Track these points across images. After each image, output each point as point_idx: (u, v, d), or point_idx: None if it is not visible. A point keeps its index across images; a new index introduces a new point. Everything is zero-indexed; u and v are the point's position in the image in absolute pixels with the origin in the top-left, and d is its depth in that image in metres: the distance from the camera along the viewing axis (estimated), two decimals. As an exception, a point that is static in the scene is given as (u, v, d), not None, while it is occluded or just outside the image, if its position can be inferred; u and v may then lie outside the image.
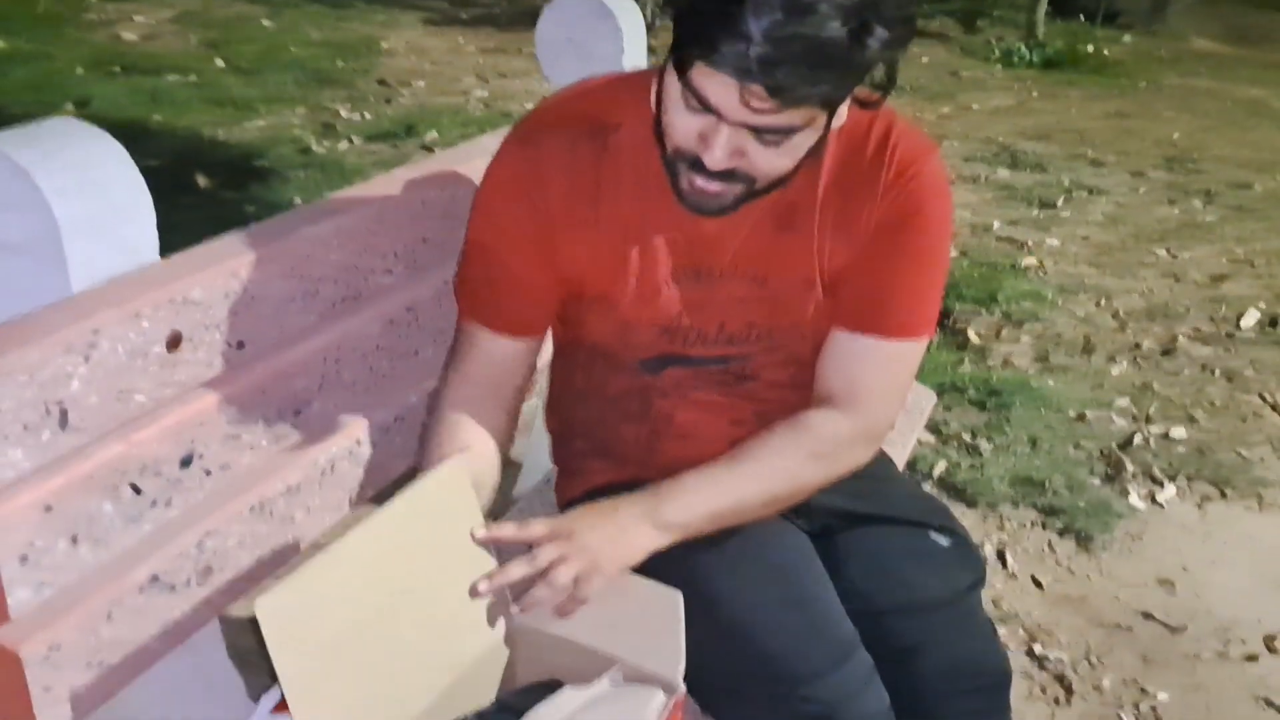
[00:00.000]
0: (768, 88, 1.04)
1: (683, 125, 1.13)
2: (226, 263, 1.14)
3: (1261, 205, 4.68)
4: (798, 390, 1.34)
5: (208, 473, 1.16)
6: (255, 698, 1.11)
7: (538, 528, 1.20)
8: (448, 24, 6.85)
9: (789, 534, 1.33)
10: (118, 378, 1.03)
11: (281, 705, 1.08)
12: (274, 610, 0.95)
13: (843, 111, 1.16)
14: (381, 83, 5.45)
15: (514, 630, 1.21)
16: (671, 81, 1.12)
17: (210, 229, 1.23)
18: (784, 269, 1.29)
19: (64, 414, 0.98)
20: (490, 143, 1.55)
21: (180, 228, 1.18)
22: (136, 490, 1.07)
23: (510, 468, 2.47)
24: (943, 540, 1.41)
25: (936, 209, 1.28)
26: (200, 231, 1.22)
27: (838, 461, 1.32)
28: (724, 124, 1.09)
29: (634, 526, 1.22)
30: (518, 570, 1.16)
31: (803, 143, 1.14)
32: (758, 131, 1.10)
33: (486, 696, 1.17)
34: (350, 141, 4.57)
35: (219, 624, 1.14)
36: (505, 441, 1.33)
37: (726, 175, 1.14)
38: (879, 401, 1.33)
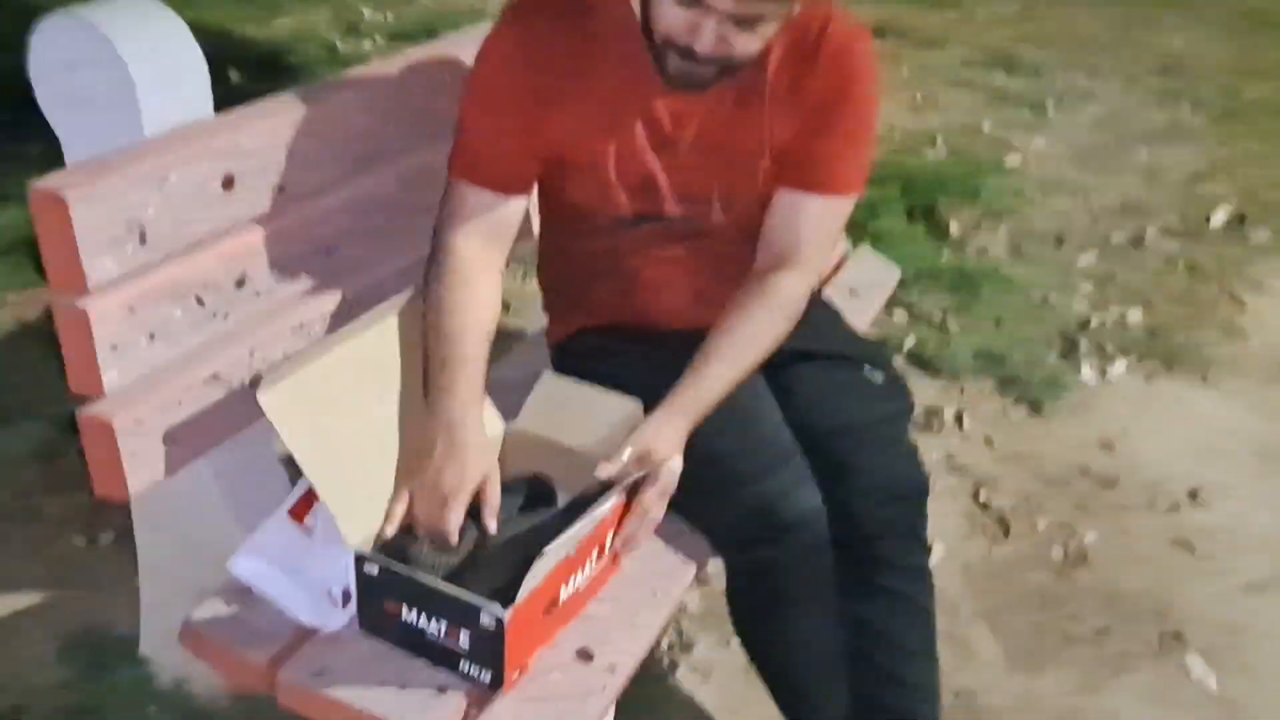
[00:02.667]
0: None
1: (671, 17, 1.33)
2: (270, 119, 1.39)
3: (1247, 110, 4.82)
4: (746, 241, 1.58)
5: (257, 294, 1.41)
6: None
7: (628, 458, 1.37)
8: (466, -74, 6.93)
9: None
10: (184, 208, 1.28)
11: (297, 507, 1.35)
12: (278, 398, 1.20)
13: None
14: (403, -16, 5.61)
15: (510, 431, 1.48)
16: None
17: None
18: (739, 139, 1.52)
19: (143, 233, 1.24)
20: (486, 28, 1.78)
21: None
22: (200, 302, 1.33)
23: (510, 334, 2.72)
24: (876, 376, 1.66)
25: (866, 87, 1.51)
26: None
27: (798, 314, 1.57)
28: (711, 15, 1.31)
29: (683, 433, 1.43)
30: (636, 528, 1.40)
31: (772, 26, 1.36)
32: (738, 20, 1.32)
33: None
34: (374, 41, 4.76)
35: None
36: (499, 288, 1.52)
37: (711, 60, 1.35)
38: (819, 252, 1.58)
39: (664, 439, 1.40)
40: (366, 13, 5.12)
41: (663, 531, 1.52)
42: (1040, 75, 5.04)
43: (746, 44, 1.36)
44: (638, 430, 1.40)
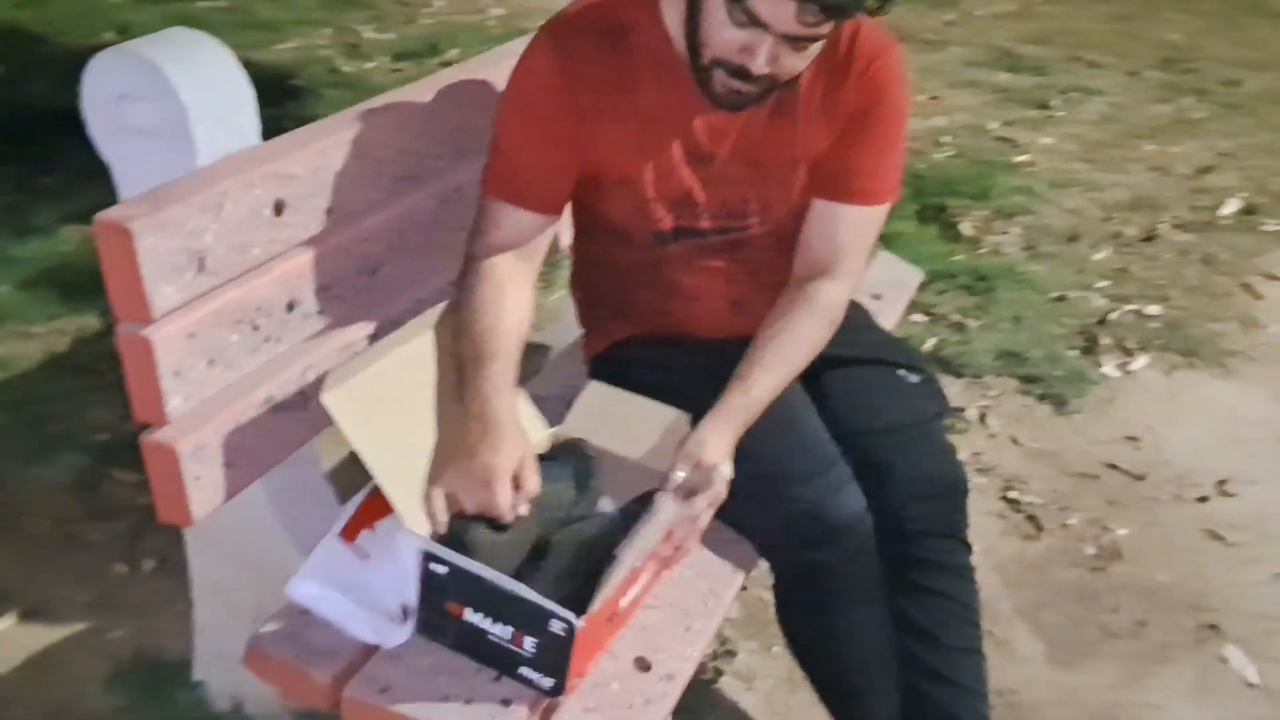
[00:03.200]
0: (824, 6, 1.27)
1: (726, 38, 1.35)
2: (315, 145, 1.41)
3: (1251, 102, 4.85)
4: (782, 251, 1.61)
5: (306, 316, 1.43)
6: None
7: (684, 473, 1.40)
8: (464, -57, 6.97)
9: None
10: (239, 233, 1.30)
11: (347, 528, 1.37)
12: (341, 400, 1.24)
13: None
14: (402, 3, 5.64)
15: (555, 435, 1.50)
16: (712, 5, 1.34)
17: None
18: (775, 153, 1.54)
19: (201, 260, 1.26)
20: (514, 47, 1.80)
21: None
22: (255, 326, 1.35)
23: (538, 350, 2.76)
24: (912, 377, 1.68)
25: (897, 96, 1.54)
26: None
27: (838, 320, 1.59)
28: (768, 36, 1.32)
29: (732, 440, 1.44)
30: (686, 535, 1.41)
31: (819, 46, 1.39)
32: (794, 40, 1.34)
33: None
34: (376, 60, 4.79)
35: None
36: (533, 300, 1.54)
37: (761, 79, 1.37)
38: (857, 260, 1.61)
39: (714, 446, 1.42)
40: (367, 33, 5.16)
41: (709, 538, 1.55)
42: (1043, 73, 5.07)
43: (796, 63, 1.38)
44: (689, 437, 1.42)
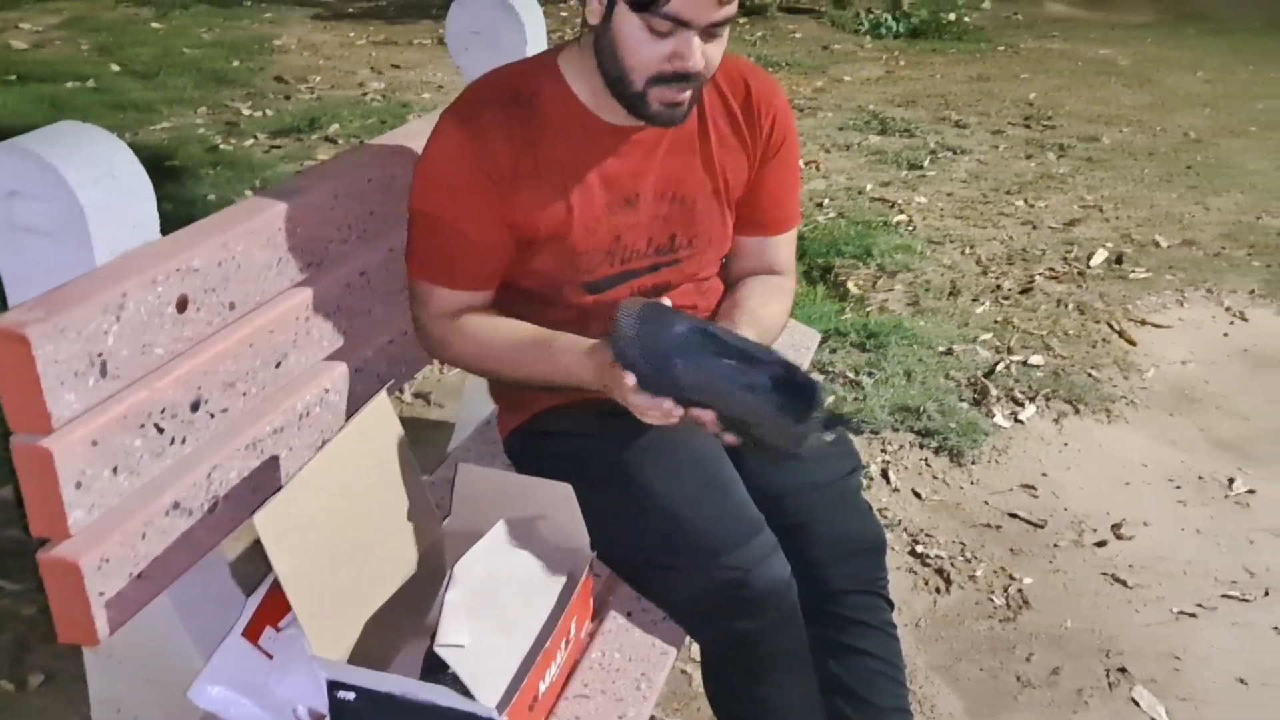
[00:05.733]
0: None
1: (653, 53, 1.41)
2: (217, 236, 1.36)
3: (1109, 156, 5.10)
4: (706, 279, 1.69)
5: (211, 415, 1.38)
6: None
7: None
8: (337, 19, 6.95)
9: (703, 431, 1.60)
10: (141, 334, 1.25)
11: (250, 628, 1.33)
12: (268, 522, 1.19)
13: None
14: (279, 79, 5.57)
15: (444, 532, 1.47)
16: (623, 29, 1.40)
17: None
18: (693, 186, 1.60)
19: (103, 364, 1.20)
20: (414, 127, 1.78)
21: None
22: (159, 429, 1.29)
23: (443, 427, 2.70)
24: (825, 435, 1.70)
25: (793, 131, 1.67)
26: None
27: (790, 302, 1.73)
28: (692, 32, 1.38)
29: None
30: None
31: (727, 35, 1.46)
32: (713, 31, 1.40)
33: (435, 587, 1.43)
34: (255, 138, 4.71)
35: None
36: None
37: (693, 78, 1.43)
38: (791, 270, 1.74)
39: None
40: (244, 110, 5.07)
41: (638, 618, 1.53)
42: (912, 134, 5.26)
43: (715, 54, 1.45)
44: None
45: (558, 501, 1.44)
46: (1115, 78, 6.56)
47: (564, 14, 6.79)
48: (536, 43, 2.13)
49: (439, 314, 1.55)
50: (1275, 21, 8.36)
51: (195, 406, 1.35)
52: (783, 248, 1.73)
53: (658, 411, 1.37)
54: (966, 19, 7.76)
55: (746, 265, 1.71)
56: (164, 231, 1.36)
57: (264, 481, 1.45)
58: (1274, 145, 5.41)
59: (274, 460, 1.47)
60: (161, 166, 4.20)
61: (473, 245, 1.52)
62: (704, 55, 1.42)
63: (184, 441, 1.33)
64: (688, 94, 1.45)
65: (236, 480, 1.40)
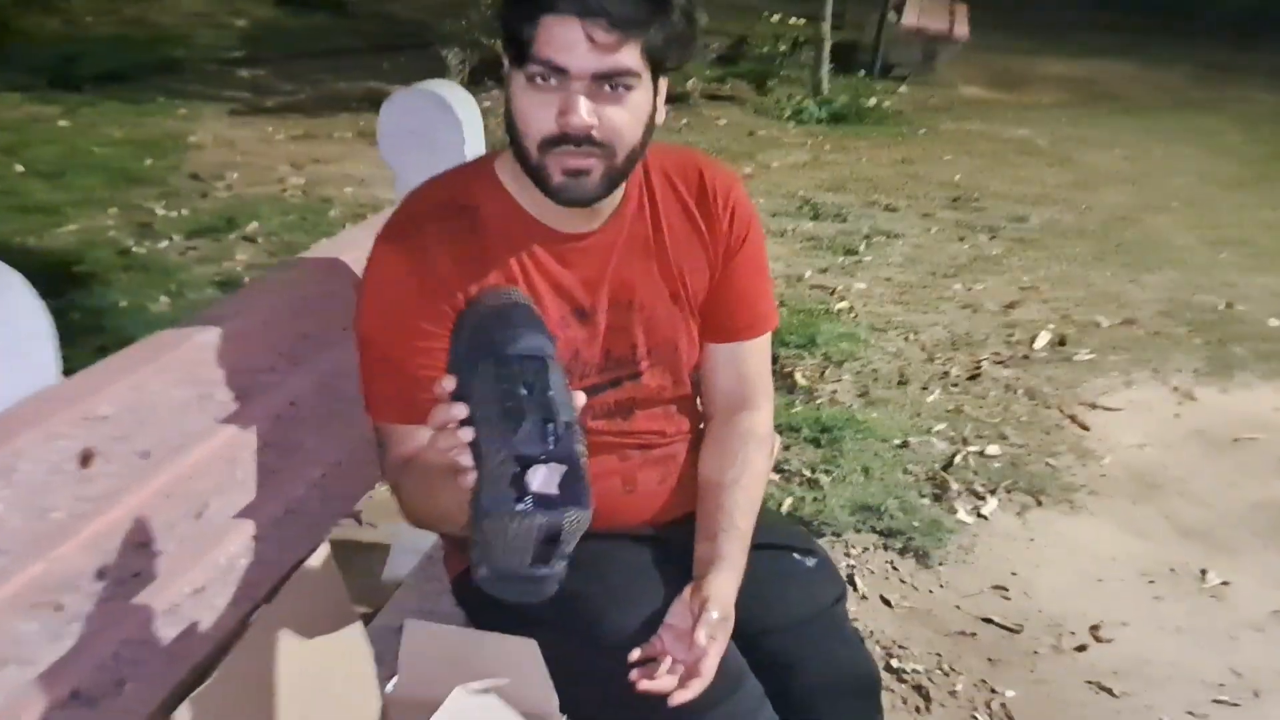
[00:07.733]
0: (608, 18, 1.21)
1: (539, 113, 1.26)
2: (129, 376, 1.19)
3: (1040, 236, 5.13)
4: (668, 415, 1.52)
5: (120, 582, 1.19)
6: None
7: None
8: (253, 114, 6.79)
9: (669, 569, 1.44)
10: (37, 498, 1.07)
11: None
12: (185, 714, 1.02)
13: (661, 100, 1.34)
14: (194, 177, 5.37)
15: (391, 702, 1.28)
16: (514, 92, 1.28)
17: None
18: (650, 292, 1.46)
19: (-11, 538, 1.02)
20: (354, 236, 1.63)
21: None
22: (57, 608, 1.11)
23: (377, 550, 2.51)
24: (807, 561, 1.56)
25: (757, 223, 1.54)
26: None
27: (771, 443, 1.57)
28: (574, 83, 1.24)
29: (736, 590, 1.38)
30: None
31: (640, 102, 1.29)
32: (605, 83, 1.24)
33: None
34: (170, 239, 4.50)
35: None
36: None
37: (589, 142, 1.26)
38: (768, 384, 1.58)
39: (723, 601, 1.35)
40: (158, 210, 4.86)
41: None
42: (844, 219, 5.23)
43: (620, 118, 1.28)
44: (694, 598, 1.35)
45: (521, 659, 1.27)
46: (1036, 157, 6.66)
47: (487, 104, 6.71)
48: (475, 142, 2.00)
49: (401, 457, 1.36)
50: (1182, 101, 8.64)
51: (101, 574, 1.16)
52: (754, 356, 1.56)
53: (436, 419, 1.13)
54: (886, 104, 7.85)
55: (718, 380, 1.55)
56: (68, 362, 1.19)
57: (182, 653, 1.26)
58: (1196, 221, 5.50)
59: (193, 627, 1.29)
60: (68, 273, 3.97)
61: (428, 382, 1.36)
62: (601, 117, 1.27)
63: (86, 618, 1.15)
64: (591, 161, 1.29)
65: (148, 657, 1.22)
